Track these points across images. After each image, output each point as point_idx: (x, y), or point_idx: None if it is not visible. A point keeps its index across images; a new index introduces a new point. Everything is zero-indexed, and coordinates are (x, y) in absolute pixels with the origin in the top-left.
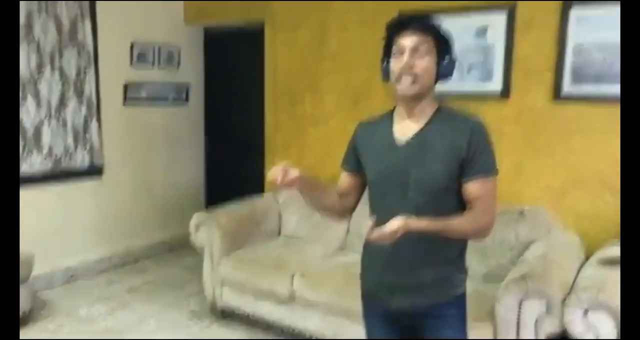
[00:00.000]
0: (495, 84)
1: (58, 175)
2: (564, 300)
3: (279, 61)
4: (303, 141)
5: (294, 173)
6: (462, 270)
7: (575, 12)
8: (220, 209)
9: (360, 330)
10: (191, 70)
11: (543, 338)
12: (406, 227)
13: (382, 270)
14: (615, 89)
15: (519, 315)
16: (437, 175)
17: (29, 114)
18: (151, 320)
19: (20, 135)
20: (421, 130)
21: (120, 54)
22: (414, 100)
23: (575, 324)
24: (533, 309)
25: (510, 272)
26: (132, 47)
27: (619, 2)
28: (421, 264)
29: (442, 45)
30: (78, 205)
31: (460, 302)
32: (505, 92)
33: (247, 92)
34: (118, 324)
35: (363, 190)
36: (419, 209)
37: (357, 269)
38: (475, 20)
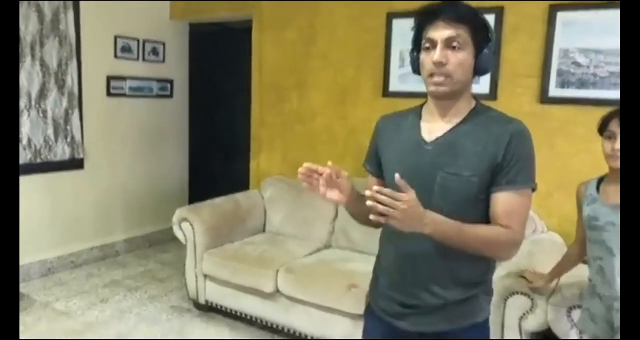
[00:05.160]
0: (483, 86)
1: (37, 166)
2: (548, 299)
3: (266, 59)
4: (289, 138)
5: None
6: (488, 291)
7: (562, 17)
8: (204, 204)
9: (344, 327)
10: (176, 65)
11: (527, 337)
12: (412, 204)
13: (396, 288)
14: (599, 93)
15: (503, 314)
16: (466, 183)
17: None
18: (131, 315)
19: None
20: (452, 130)
21: (103, 46)
22: (447, 99)
23: (559, 323)
24: (517, 307)
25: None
26: (116, 40)
27: (604, 8)
28: (441, 284)
29: (480, 36)
30: (58, 197)
31: (483, 328)
32: (493, 94)
33: (233, 88)
34: (97, 319)
35: None
36: None
37: (342, 266)
38: None
